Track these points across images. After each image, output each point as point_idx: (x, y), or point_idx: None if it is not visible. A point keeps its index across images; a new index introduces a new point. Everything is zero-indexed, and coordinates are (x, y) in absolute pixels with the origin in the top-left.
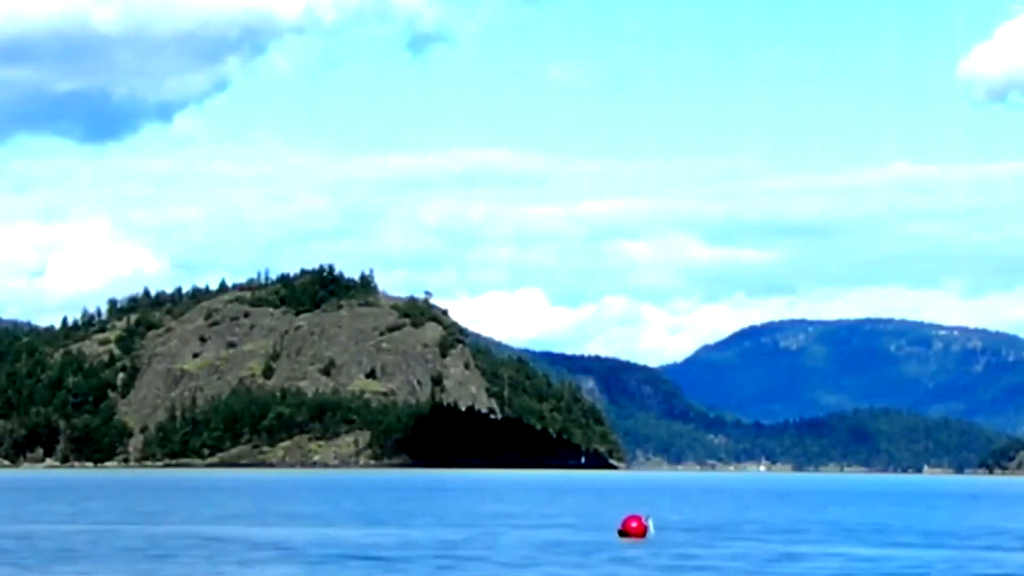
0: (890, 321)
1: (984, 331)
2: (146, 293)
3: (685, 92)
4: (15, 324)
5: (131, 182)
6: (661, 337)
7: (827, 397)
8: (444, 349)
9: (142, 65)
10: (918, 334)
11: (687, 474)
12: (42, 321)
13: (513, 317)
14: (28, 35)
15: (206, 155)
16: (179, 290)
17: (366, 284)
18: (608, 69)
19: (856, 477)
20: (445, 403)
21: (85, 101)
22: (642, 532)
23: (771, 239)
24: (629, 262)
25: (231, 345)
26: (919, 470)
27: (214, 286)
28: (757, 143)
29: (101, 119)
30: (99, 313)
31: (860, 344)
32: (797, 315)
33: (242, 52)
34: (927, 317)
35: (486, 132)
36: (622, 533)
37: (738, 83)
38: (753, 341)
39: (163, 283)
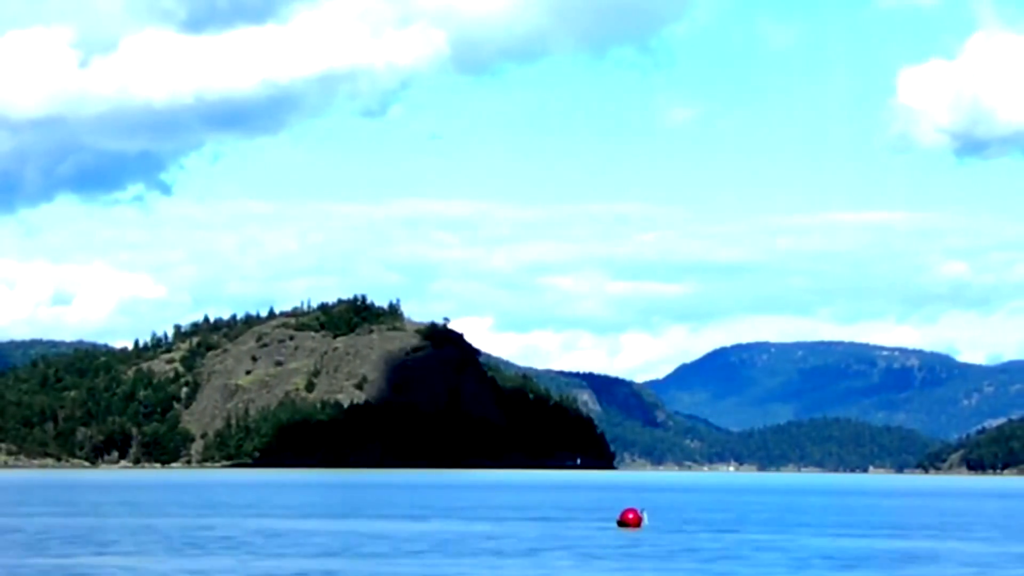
0: (840, 343)
1: (920, 351)
2: (206, 319)
3: (584, 147)
4: (95, 346)
5: (123, 228)
6: (601, 358)
7: (785, 407)
8: (460, 367)
9: (128, 131)
10: (863, 354)
11: (667, 474)
12: (65, 340)
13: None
14: (33, 110)
15: (186, 206)
16: (234, 317)
17: (394, 312)
18: (522, 131)
19: (812, 476)
20: (460, 413)
21: (83, 160)
22: (637, 522)
23: (673, 275)
24: (560, 294)
25: (278, 363)
26: (865, 470)
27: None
28: (650, 193)
29: (96, 176)
30: (166, 336)
31: (816, 362)
32: (744, 339)
33: (216, 120)
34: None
35: (423, 185)
36: (620, 523)
37: (636, 140)
38: (724, 360)
39: (162, 308)
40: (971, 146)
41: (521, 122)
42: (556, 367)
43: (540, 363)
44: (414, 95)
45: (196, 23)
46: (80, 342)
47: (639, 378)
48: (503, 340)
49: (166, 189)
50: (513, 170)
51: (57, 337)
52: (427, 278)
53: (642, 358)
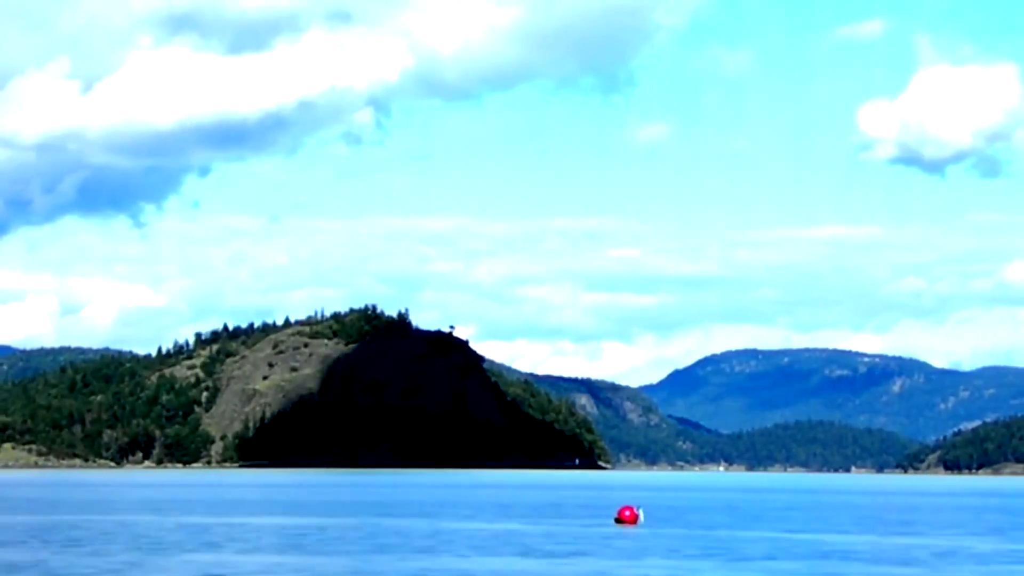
0: (824, 350)
1: (900, 358)
2: (225, 327)
3: (554, 166)
4: (119, 353)
5: (120, 243)
6: (583, 364)
7: (772, 410)
8: (465, 372)
9: (124, 151)
10: (845, 360)
11: (661, 474)
12: (92, 347)
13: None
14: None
15: (179, 222)
16: (251, 325)
17: (402, 320)
18: (497, 152)
19: (798, 476)
20: (465, 416)
21: (82, 179)
22: (634, 520)
23: (642, 287)
24: (539, 304)
25: (294, 369)
26: (847, 470)
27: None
28: (616, 209)
29: (94, 194)
30: (187, 344)
31: (801, 368)
32: (718, 348)
33: (208, 140)
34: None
35: (402, 202)
36: (618, 520)
37: (602, 160)
38: (714, 367)
39: (162, 317)
40: (921, 164)
41: (496, 144)
42: (539, 372)
43: (524, 369)
44: (394, 118)
45: (191, 47)
46: (107, 349)
47: (627, 383)
48: (488, 348)
49: (160, 206)
50: (488, 188)
51: (73, 344)
52: (413, 289)
53: (626, 364)
